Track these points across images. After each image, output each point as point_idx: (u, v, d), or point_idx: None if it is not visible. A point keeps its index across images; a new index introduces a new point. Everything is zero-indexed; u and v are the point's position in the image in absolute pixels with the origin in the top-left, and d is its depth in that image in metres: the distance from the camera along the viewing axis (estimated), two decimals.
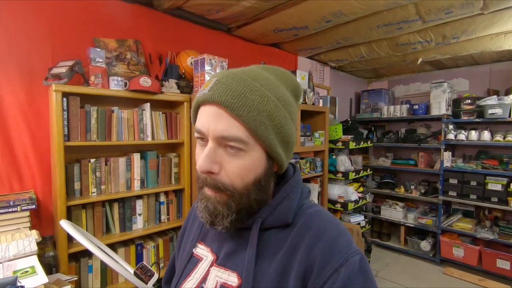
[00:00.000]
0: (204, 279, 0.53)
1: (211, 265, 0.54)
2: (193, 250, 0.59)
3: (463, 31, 2.29)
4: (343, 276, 0.42)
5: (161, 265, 1.78)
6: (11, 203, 1.27)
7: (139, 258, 1.69)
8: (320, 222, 0.49)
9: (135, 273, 0.84)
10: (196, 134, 0.50)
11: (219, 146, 0.47)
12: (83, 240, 0.81)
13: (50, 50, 1.53)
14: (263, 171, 0.49)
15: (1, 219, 1.25)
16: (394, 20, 2.12)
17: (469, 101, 3.20)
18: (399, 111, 3.62)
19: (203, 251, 0.58)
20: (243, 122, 0.45)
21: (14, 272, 0.91)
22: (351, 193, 2.84)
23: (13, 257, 1.00)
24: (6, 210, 1.25)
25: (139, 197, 1.72)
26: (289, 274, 0.46)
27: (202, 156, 0.47)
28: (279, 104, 0.48)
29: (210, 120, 0.46)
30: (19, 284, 0.79)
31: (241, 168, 0.47)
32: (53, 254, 1.37)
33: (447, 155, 3.20)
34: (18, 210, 1.28)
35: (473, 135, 3.05)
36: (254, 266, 0.48)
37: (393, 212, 3.60)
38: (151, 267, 0.97)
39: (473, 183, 3.00)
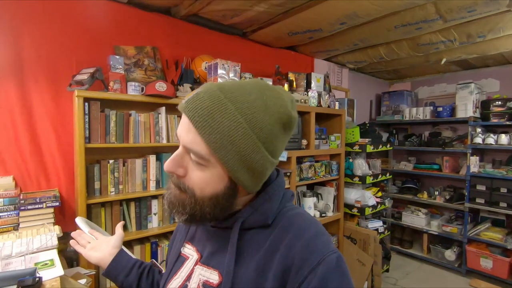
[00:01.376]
0: (188, 277, 0.56)
1: (195, 264, 0.57)
2: (181, 250, 0.62)
3: (489, 29, 2.17)
4: (320, 274, 0.43)
5: None
6: (38, 200, 1.37)
7: (153, 255, 1.76)
8: (299, 224, 0.51)
9: None
10: None
11: (188, 154, 0.49)
12: (95, 234, 0.87)
13: (74, 58, 1.65)
14: (223, 189, 0.49)
15: (29, 215, 1.36)
16: (412, 20, 2.05)
17: (500, 102, 3.01)
18: (422, 113, 3.48)
19: (189, 251, 0.61)
20: (205, 141, 0.46)
21: (36, 264, 0.99)
22: (369, 197, 2.76)
23: (35, 250, 1.08)
24: (34, 206, 1.36)
25: (155, 197, 1.79)
26: (268, 273, 0.47)
27: (170, 157, 0.51)
28: (250, 131, 0.46)
29: (183, 129, 0.49)
30: (37, 274, 0.86)
31: (201, 179, 0.49)
32: (74, 249, 1.46)
33: (474, 160, 3.02)
34: (44, 206, 1.39)
35: (503, 139, 2.86)
36: (235, 265, 0.49)
37: (415, 219, 3.46)
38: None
39: (504, 190, 2.81)
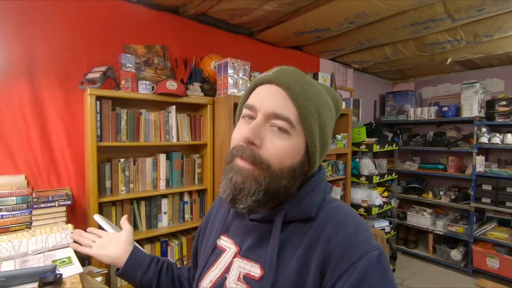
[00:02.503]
0: (227, 270, 0.55)
1: (234, 256, 0.56)
2: (217, 242, 0.61)
3: (497, 28, 2.17)
4: (360, 269, 0.42)
5: (185, 262, 1.83)
6: (50, 198, 1.37)
7: (163, 255, 1.75)
8: (340, 216, 0.50)
9: None
10: (244, 112, 0.52)
11: (266, 124, 0.49)
12: (113, 231, 0.87)
13: (85, 57, 1.64)
14: (299, 161, 0.51)
15: (42, 213, 1.35)
16: (420, 19, 2.06)
17: (505, 102, 3.02)
18: (427, 113, 3.48)
19: (226, 243, 0.60)
20: (297, 107, 0.48)
21: (53, 261, 0.98)
22: (375, 197, 2.76)
23: (52, 248, 1.08)
24: (46, 204, 1.35)
25: (165, 196, 1.78)
26: (310, 266, 0.47)
27: (248, 126, 0.49)
28: (326, 105, 0.53)
29: (267, 97, 0.50)
30: (58, 271, 0.86)
31: (282, 149, 0.48)
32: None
33: (480, 160, 3.02)
34: (56, 205, 1.38)
35: (509, 138, 2.86)
36: (277, 258, 0.49)
37: (420, 219, 3.45)
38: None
39: (510, 189, 2.81)
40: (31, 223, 1.33)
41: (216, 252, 0.60)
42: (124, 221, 0.78)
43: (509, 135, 2.88)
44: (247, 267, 0.52)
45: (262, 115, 0.49)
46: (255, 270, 0.51)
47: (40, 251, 0.98)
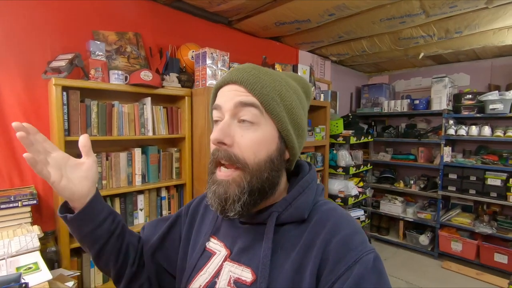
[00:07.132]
0: (217, 274, 0.53)
1: (224, 260, 0.54)
2: (206, 244, 0.59)
3: (466, 25, 2.27)
4: (356, 273, 0.42)
5: None
6: (12, 199, 1.25)
7: None
8: (335, 219, 0.49)
9: None
10: (214, 114, 0.53)
11: (234, 120, 0.49)
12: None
13: (48, 43, 1.50)
14: (275, 149, 0.50)
15: (2, 215, 1.23)
16: (397, 13, 2.09)
17: (470, 96, 3.19)
18: (400, 106, 3.61)
19: (216, 246, 0.57)
20: (256, 96, 0.48)
21: (18, 268, 0.90)
22: (352, 188, 2.84)
23: (15, 253, 0.99)
24: (7, 205, 1.24)
25: (141, 192, 1.71)
26: (305, 270, 0.45)
27: (216, 129, 0.50)
28: (289, 88, 0.52)
29: (228, 95, 0.50)
30: (23, 281, 0.79)
31: (254, 141, 0.48)
32: (55, 249, 1.36)
33: (447, 150, 3.20)
34: (19, 205, 1.27)
35: (474, 130, 3.05)
36: (269, 262, 0.47)
37: (392, 207, 3.62)
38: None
39: (473, 178, 3.01)
40: None
41: (206, 255, 0.57)
42: (86, 146, 0.56)
43: (473, 127, 3.07)
44: (238, 271, 0.50)
45: (228, 113, 0.49)
46: (246, 275, 0.49)
47: (2, 258, 0.89)
